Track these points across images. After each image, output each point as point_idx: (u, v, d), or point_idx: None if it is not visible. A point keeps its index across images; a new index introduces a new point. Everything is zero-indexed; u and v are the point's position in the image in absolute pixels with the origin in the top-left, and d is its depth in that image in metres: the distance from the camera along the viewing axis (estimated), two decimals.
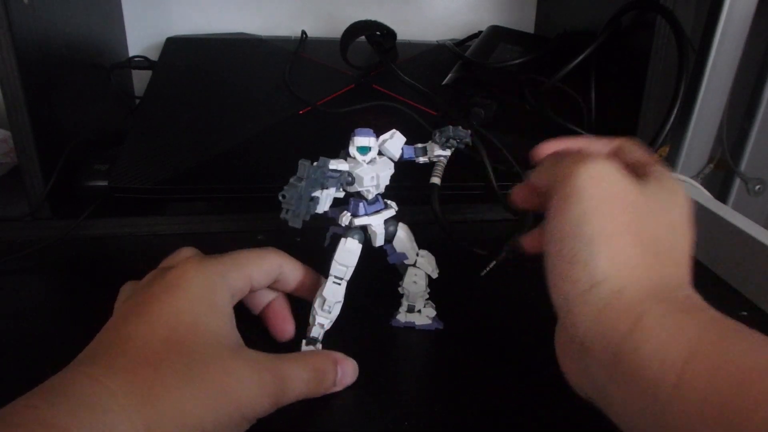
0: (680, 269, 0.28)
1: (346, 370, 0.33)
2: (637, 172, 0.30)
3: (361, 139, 0.33)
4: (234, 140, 0.54)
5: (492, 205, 0.54)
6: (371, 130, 0.33)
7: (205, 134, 0.55)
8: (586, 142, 0.34)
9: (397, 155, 0.35)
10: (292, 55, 0.68)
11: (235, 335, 0.30)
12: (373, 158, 0.34)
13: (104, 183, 0.52)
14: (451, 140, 0.36)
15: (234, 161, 0.53)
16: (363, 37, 0.64)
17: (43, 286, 0.45)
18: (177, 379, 0.26)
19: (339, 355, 0.33)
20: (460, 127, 0.36)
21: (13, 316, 0.40)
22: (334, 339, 0.35)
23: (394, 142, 0.34)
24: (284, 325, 0.36)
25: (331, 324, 0.35)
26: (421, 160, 0.37)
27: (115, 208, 0.52)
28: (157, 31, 0.75)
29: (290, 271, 0.35)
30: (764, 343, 0.22)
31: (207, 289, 0.30)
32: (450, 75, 0.62)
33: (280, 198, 0.29)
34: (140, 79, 0.76)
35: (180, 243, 0.50)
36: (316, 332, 0.34)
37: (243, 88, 0.62)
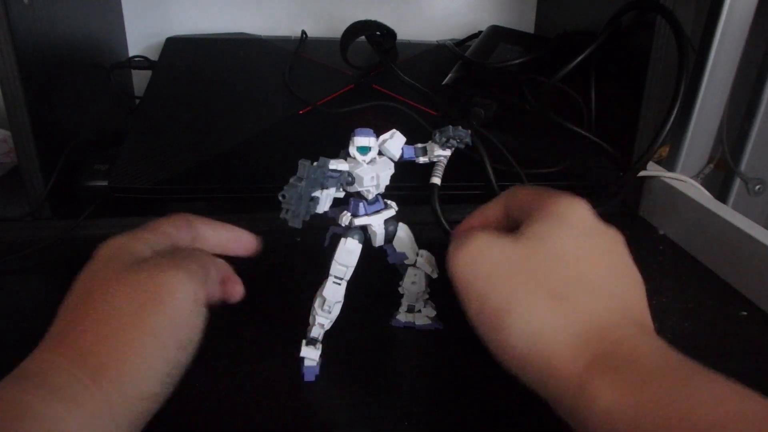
0: (606, 304, 0.27)
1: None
2: (520, 219, 0.30)
3: (361, 139, 0.33)
4: (234, 140, 0.54)
5: None
6: (371, 130, 0.33)
7: (205, 134, 0.55)
8: (480, 214, 0.34)
9: (397, 155, 0.35)
10: (292, 55, 0.68)
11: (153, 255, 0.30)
12: (373, 158, 0.34)
13: (104, 183, 0.51)
14: (451, 140, 0.36)
15: (234, 161, 0.53)
16: (363, 37, 0.64)
17: (43, 286, 0.45)
18: (97, 319, 0.27)
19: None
20: (460, 127, 0.36)
21: (13, 316, 0.40)
22: (334, 339, 0.35)
23: (394, 142, 0.34)
24: (232, 286, 0.34)
25: (331, 324, 0.35)
26: (422, 160, 0.37)
27: (115, 208, 0.52)
28: (157, 31, 0.75)
29: (205, 227, 0.35)
30: (706, 393, 0.22)
31: (118, 247, 0.30)
32: (450, 75, 0.62)
33: (280, 198, 0.29)
34: (140, 79, 0.76)
35: None
36: (316, 332, 0.34)
37: (243, 88, 0.62)
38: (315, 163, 0.31)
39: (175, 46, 0.69)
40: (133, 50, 0.77)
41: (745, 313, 0.41)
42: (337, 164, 0.32)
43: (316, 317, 0.34)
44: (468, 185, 0.52)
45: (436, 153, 0.36)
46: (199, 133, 0.56)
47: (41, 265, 0.47)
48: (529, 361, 0.26)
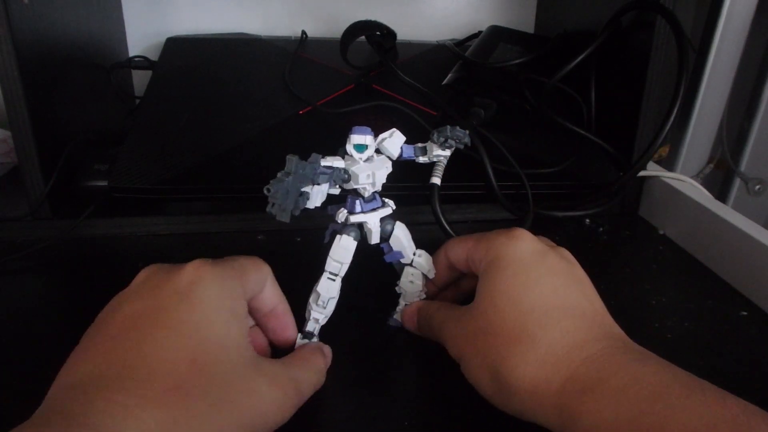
0: (565, 327, 0.28)
1: (328, 357, 0.34)
2: (469, 271, 0.35)
3: (357, 137, 0.33)
4: (234, 140, 0.54)
5: (492, 205, 0.54)
6: (368, 129, 0.33)
7: (205, 134, 0.55)
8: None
9: (395, 154, 0.35)
10: (292, 55, 0.68)
11: (250, 345, 0.29)
12: (370, 156, 0.34)
13: (104, 183, 0.51)
14: (449, 140, 0.36)
15: (234, 161, 0.53)
16: (363, 37, 0.64)
17: (43, 286, 0.45)
18: (207, 405, 0.25)
19: (320, 345, 0.34)
20: (458, 128, 0.36)
21: (13, 316, 0.40)
22: (333, 339, 0.35)
23: (393, 141, 0.34)
24: (287, 332, 0.34)
25: (327, 319, 0.35)
26: (421, 159, 0.37)
27: (115, 208, 0.52)
28: (157, 31, 0.75)
29: (270, 287, 0.33)
30: (679, 403, 0.23)
31: (225, 296, 0.28)
32: (450, 75, 0.62)
33: (265, 191, 0.29)
34: (140, 79, 0.76)
35: (180, 243, 0.51)
36: (312, 327, 0.35)
37: (243, 88, 0.62)
38: (307, 159, 0.31)
39: (175, 46, 0.69)
40: (133, 50, 0.77)
41: (745, 313, 0.41)
42: (332, 161, 0.32)
43: (311, 312, 0.34)
44: (468, 185, 0.52)
45: (435, 153, 0.37)
46: (199, 133, 0.56)
47: (41, 265, 0.47)
48: (521, 401, 0.28)
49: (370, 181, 0.33)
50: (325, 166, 0.32)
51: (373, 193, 0.35)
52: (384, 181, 0.34)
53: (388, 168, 0.34)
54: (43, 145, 0.49)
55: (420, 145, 0.37)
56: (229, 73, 0.65)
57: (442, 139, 0.36)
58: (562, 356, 0.27)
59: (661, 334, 0.39)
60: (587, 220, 0.55)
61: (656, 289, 0.44)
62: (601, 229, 0.53)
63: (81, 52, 0.60)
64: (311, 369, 0.32)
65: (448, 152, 0.37)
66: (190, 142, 0.54)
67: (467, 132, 0.37)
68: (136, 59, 0.72)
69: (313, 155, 0.31)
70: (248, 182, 0.51)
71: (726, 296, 0.43)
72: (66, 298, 0.44)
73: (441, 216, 0.45)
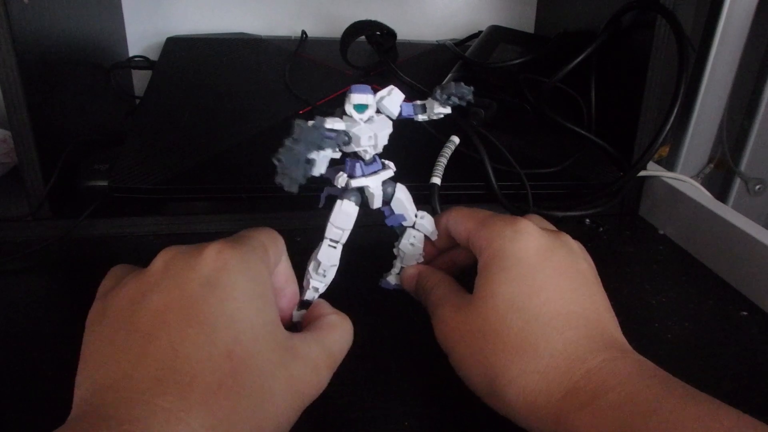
0: (568, 337, 0.28)
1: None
2: (466, 246, 0.33)
3: (358, 96, 0.31)
4: (234, 140, 0.54)
5: (492, 205, 0.54)
6: (369, 87, 0.31)
7: (205, 134, 0.55)
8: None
9: (395, 112, 0.33)
10: (292, 55, 0.68)
11: (281, 326, 0.28)
12: (371, 116, 0.31)
13: (104, 183, 0.51)
14: (452, 97, 0.34)
15: (234, 161, 0.53)
16: (363, 37, 0.64)
17: (43, 286, 0.45)
18: (250, 399, 0.24)
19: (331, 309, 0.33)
20: (462, 84, 0.34)
21: (13, 316, 0.40)
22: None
23: (393, 98, 0.32)
24: (286, 315, 0.33)
25: (326, 287, 0.34)
26: (420, 117, 0.35)
27: (115, 208, 0.52)
28: (157, 31, 0.75)
29: (285, 263, 0.32)
30: (676, 416, 0.23)
31: (254, 281, 0.27)
32: (450, 75, 0.62)
33: (275, 162, 0.26)
34: (140, 79, 0.76)
35: (180, 243, 0.51)
36: (310, 296, 0.34)
37: (243, 88, 0.62)
38: (311, 123, 0.29)
39: (175, 46, 0.69)
40: (133, 50, 0.77)
41: (745, 313, 0.41)
42: (333, 123, 0.30)
43: (311, 281, 0.33)
44: (468, 185, 0.52)
45: (436, 110, 0.34)
46: (199, 133, 0.56)
47: (41, 265, 0.47)
48: (516, 410, 0.27)
49: (372, 143, 0.31)
50: (328, 130, 0.30)
51: (374, 155, 0.33)
52: (386, 142, 0.32)
53: (389, 128, 0.32)
54: (43, 145, 0.49)
55: (419, 102, 0.35)
56: (229, 73, 0.65)
57: (445, 96, 0.34)
58: (563, 369, 0.27)
59: (661, 334, 0.39)
60: (587, 220, 0.55)
61: (656, 289, 0.44)
62: (601, 229, 0.54)
63: (81, 52, 0.60)
64: (340, 332, 0.31)
65: (449, 109, 0.34)
66: (190, 142, 0.54)
67: (472, 89, 0.34)
68: (136, 59, 0.72)
69: (318, 118, 0.29)
70: (248, 182, 0.51)
71: (726, 296, 0.43)
72: (66, 298, 0.44)
73: None
